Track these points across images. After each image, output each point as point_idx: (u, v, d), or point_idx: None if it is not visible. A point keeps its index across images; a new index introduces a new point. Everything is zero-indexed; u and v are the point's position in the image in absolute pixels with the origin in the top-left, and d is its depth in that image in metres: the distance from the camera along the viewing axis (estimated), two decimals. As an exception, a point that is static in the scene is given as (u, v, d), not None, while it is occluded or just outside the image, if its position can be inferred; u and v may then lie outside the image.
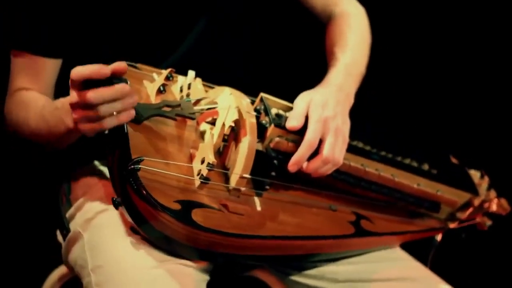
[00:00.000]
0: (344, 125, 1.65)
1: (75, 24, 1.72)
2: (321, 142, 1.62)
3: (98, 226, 1.62)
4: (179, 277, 1.52)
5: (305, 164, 1.62)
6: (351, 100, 1.73)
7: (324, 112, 1.62)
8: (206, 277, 1.61)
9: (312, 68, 2.05)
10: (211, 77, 1.69)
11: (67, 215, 1.77)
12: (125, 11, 1.73)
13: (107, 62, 1.44)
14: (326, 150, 1.61)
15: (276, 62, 2.58)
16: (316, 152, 1.62)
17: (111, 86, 1.41)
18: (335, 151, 1.62)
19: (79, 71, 1.41)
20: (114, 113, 1.43)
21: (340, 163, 1.64)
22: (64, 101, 1.54)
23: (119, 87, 1.42)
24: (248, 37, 1.91)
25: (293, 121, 1.61)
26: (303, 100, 1.64)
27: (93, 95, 1.41)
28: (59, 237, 1.82)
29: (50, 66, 1.76)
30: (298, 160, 1.61)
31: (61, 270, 2.00)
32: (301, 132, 1.62)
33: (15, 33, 1.74)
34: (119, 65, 1.43)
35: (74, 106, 1.45)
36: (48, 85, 1.77)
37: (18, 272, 2.47)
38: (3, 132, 1.78)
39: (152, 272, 1.50)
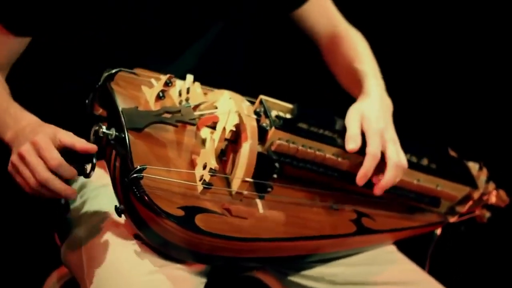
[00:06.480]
0: (394, 133, 1.70)
1: (70, 15, 1.67)
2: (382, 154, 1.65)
3: (96, 231, 1.61)
4: (176, 282, 1.52)
5: (379, 179, 1.65)
6: (391, 108, 1.77)
7: (378, 125, 1.66)
8: (203, 280, 1.61)
9: (310, 70, 2.05)
10: (213, 82, 1.68)
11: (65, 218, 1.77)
12: (130, 11, 1.70)
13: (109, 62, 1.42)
14: (393, 157, 1.65)
15: (274, 63, 2.59)
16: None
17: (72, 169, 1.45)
18: (400, 156, 1.66)
19: (67, 140, 1.43)
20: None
21: (406, 167, 1.68)
22: (21, 122, 1.53)
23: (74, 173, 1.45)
24: (248, 40, 1.91)
25: (352, 143, 1.64)
26: (355, 118, 1.67)
27: (61, 166, 1.43)
28: (57, 240, 1.82)
29: (17, 43, 1.69)
30: (365, 173, 1.63)
31: (61, 270, 2.00)
32: (305, 134, 1.63)
33: None
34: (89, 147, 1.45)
35: (22, 158, 1.45)
36: (8, 59, 1.71)
37: (18, 272, 2.47)
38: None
39: (148, 278, 1.50)
